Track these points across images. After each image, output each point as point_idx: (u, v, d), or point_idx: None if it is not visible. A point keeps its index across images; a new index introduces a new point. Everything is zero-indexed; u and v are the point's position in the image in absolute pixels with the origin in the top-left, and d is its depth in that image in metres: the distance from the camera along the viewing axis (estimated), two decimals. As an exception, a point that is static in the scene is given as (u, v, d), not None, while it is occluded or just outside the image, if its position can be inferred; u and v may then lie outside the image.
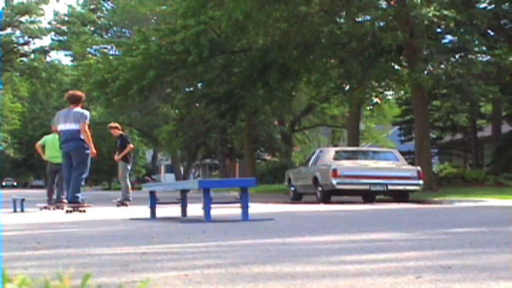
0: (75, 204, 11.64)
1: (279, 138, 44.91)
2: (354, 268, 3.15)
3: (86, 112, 12.09)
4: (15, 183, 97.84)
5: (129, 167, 16.83)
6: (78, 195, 11.67)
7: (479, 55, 23.90)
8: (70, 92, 12.71)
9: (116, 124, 17.52)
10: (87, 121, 11.97)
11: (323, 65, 26.06)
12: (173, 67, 27.68)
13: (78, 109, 12.04)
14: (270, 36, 25.54)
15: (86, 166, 11.93)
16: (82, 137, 11.84)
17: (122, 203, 16.12)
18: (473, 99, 23.97)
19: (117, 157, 16.72)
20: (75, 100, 12.15)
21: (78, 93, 12.54)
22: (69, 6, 59.26)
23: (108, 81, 28.95)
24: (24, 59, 52.96)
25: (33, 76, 51.47)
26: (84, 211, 11.65)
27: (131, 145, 16.93)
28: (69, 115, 11.96)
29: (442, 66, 21.83)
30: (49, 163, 14.74)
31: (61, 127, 12.06)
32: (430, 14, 20.87)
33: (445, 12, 21.03)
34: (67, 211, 11.73)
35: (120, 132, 17.05)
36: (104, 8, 55.75)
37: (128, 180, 16.70)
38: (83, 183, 12.07)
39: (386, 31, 22.09)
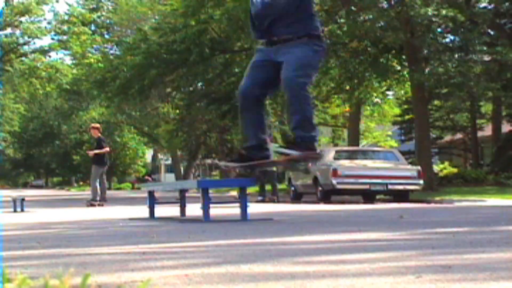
0: None
1: (279, 138, 44.83)
2: (354, 267, 3.15)
3: None
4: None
5: (101, 171, 17.32)
6: None
7: (479, 54, 23.93)
8: None
9: (97, 126, 18.06)
10: None
11: (324, 64, 26.04)
12: (173, 66, 27.68)
13: None
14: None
15: None
16: None
17: (91, 204, 16.60)
18: (474, 96, 23.99)
19: (91, 152, 17.44)
20: None
21: None
22: (69, 5, 58.99)
23: (108, 80, 28.94)
24: (24, 59, 52.84)
25: (33, 76, 51.36)
26: None
27: (107, 148, 17.54)
28: None
29: (443, 65, 21.85)
30: None
31: None
32: (430, 13, 20.87)
33: (444, 12, 21.04)
34: None
35: (99, 134, 17.60)
36: (105, 7, 55.67)
37: (97, 182, 17.05)
38: None
39: (387, 31, 22.10)
